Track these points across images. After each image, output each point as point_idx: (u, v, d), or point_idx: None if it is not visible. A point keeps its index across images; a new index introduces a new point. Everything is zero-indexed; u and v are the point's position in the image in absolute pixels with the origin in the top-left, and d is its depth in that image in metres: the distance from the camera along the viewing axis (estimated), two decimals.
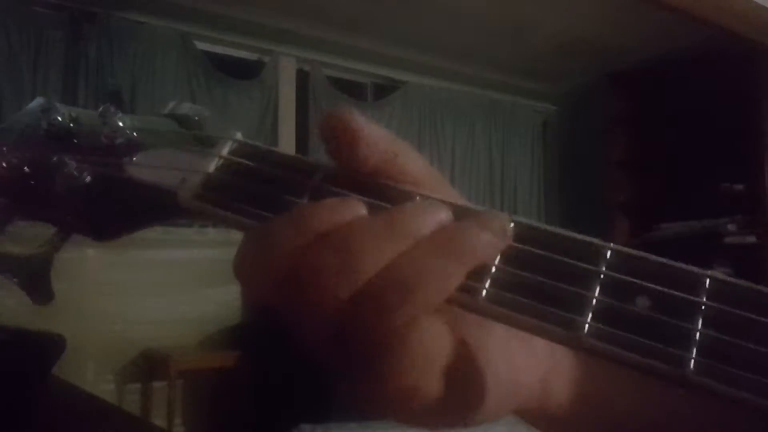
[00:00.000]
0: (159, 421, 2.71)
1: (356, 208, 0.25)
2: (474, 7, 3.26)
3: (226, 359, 2.83)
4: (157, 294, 2.92)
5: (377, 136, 0.27)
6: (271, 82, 3.44)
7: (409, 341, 0.24)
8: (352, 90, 3.79)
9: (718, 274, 0.24)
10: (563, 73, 4.18)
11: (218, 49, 3.35)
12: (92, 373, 2.72)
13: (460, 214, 0.26)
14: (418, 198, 0.27)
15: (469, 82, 4.10)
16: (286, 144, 3.48)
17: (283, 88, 3.50)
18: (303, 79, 3.57)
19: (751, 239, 3.46)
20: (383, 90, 3.91)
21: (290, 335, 0.26)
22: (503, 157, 4.22)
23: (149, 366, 2.82)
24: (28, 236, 0.36)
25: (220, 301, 3.07)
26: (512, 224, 0.25)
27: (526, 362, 0.29)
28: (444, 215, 0.25)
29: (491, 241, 0.24)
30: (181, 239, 3.00)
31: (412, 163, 0.28)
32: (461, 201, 0.27)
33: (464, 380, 0.26)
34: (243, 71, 3.40)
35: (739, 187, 3.50)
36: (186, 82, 3.16)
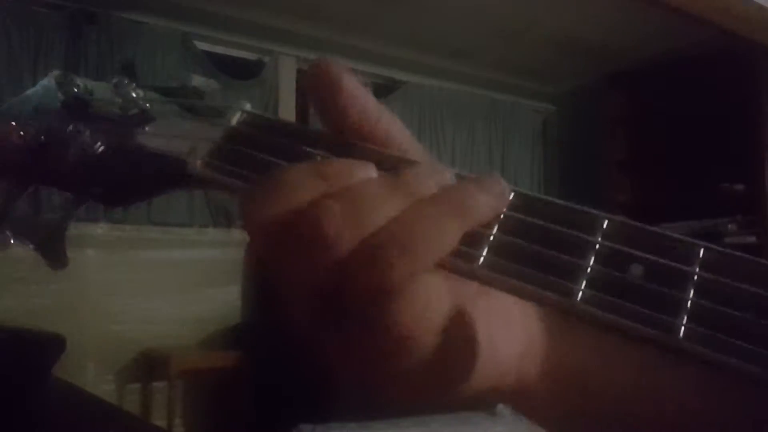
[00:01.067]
0: (159, 421, 2.71)
1: (368, 169, 0.26)
2: (474, 7, 3.26)
3: (226, 359, 2.83)
4: (157, 294, 2.92)
5: (357, 88, 0.28)
6: (271, 82, 3.44)
7: (409, 294, 0.25)
8: None
9: (712, 245, 0.24)
10: (563, 73, 4.18)
11: (218, 49, 3.34)
12: (92, 373, 2.72)
13: (460, 178, 0.27)
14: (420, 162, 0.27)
15: (469, 82, 4.10)
16: None
17: (283, 88, 3.49)
18: (303, 79, 3.57)
19: (751, 239, 3.45)
20: (383, 90, 3.90)
21: (282, 302, 0.26)
22: (503, 157, 4.22)
23: (149, 366, 2.82)
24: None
25: (220, 301, 3.07)
26: (512, 194, 0.26)
27: (506, 336, 0.30)
28: (447, 176, 0.27)
29: (490, 202, 0.25)
30: (181, 239, 3.00)
31: (397, 132, 0.29)
32: None
33: (457, 344, 0.27)
34: (243, 71, 3.40)
35: (739, 187, 3.50)
36: (186, 82, 3.16)
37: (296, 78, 3.56)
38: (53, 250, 0.36)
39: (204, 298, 3.02)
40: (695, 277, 0.23)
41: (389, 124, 0.29)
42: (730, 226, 3.51)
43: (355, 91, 0.28)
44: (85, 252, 2.69)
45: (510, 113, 4.27)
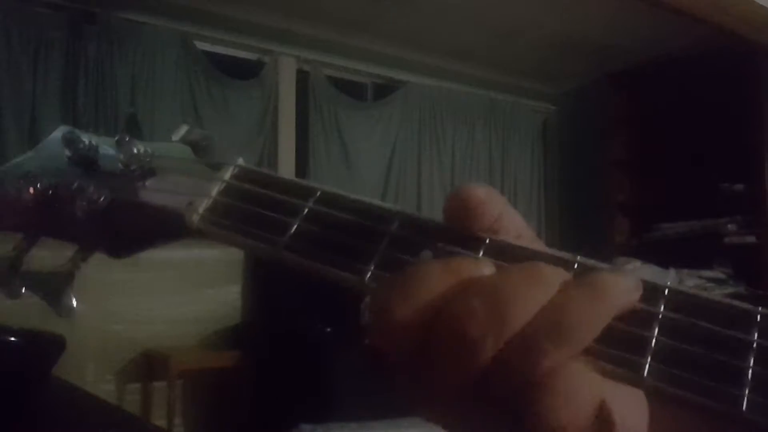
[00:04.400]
0: (159, 421, 2.71)
1: (490, 264, 0.27)
2: (474, 7, 3.26)
3: (226, 359, 2.83)
4: (157, 294, 2.92)
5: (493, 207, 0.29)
6: (271, 82, 3.44)
7: (561, 382, 0.24)
8: (352, 90, 3.79)
9: (676, 285, 0.25)
10: (563, 73, 4.18)
11: (218, 49, 3.34)
12: (92, 373, 2.72)
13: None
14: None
15: (469, 82, 4.10)
16: (286, 144, 3.48)
17: (283, 88, 3.49)
18: (303, 79, 3.57)
19: (751, 239, 3.45)
20: (383, 90, 3.90)
21: (417, 398, 0.27)
22: (503, 157, 4.22)
23: (149, 366, 2.82)
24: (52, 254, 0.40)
25: (220, 301, 3.07)
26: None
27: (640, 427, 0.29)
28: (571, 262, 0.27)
29: (629, 288, 0.25)
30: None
31: (514, 221, 0.29)
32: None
33: None
34: (243, 71, 3.40)
35: (739, 187, 3.50)
36: (186, 82, 3.16)
37: (296, 78, 3.56)
38: (60, 301, 0.38)
39: (204, 298, 3.02)
40: (660, 317, 0.24)
41: (508, 217, 0.29)
42: (730, 226, 3.50)
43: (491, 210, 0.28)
44: None
45: (510, 113, 4.26)
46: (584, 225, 4.13)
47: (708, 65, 3.42)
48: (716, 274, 3.48)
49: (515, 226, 0.29)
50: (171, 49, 3.10)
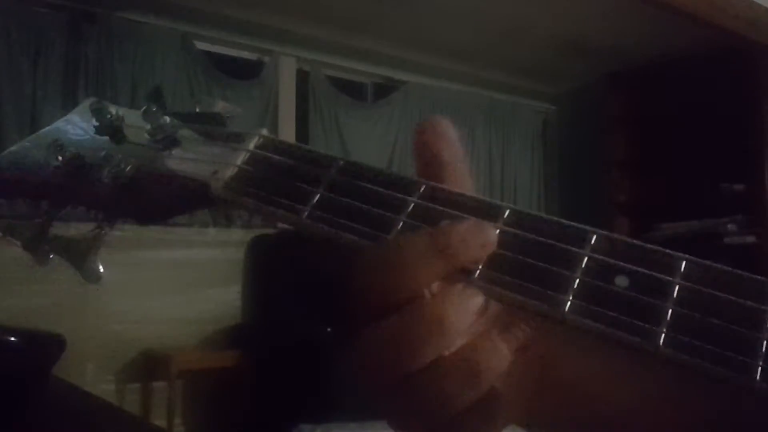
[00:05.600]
0: (159, 421, 2.71)
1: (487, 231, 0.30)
2: (474, 7, 3.26)
3: (226, 359, 2.82)
4: (157, 294, 2.92)
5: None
6: (271, 82, 3.44)
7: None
8: (352, 90, 3.79)
9: (693, 258, 0.26)
10: (563, 73, 4.18)
11: (218, 49, 3.34)
12: (92, 373, 2.72)
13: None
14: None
15: (469, 82, 4.10)
16: None
17: (283, 88, 3.49)
18: (303, 79, 3.57)
19: (751, 239, 3.46)
20: (383, 90, 3.90)
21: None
22: (503, 157, 4.22)
23: (149, 366, 2.82)
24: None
25: (220, 301, 3.07)
26: (508, 211, 0.29)
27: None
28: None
29: (476, 248, 0.28)
30: (181, 239, 3.00)
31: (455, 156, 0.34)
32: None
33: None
34: (243, 71, 3.40)
35: (739, 187, 3.50)
36: (186, 82, 3.16)
37: (296, 78, 3.56)
38: (88, 265, 0.39)
39: (204, 298, 3.02)
40: (676, 287, 0.25)
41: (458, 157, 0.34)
42: (730, 226, 3.50)
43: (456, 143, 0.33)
44: None
45: (510, 113, 4.26)
46: (584, 225, 4.12)
47: (708, 65, 3.42)
48: None
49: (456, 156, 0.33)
50: (171, 49, 3.10)
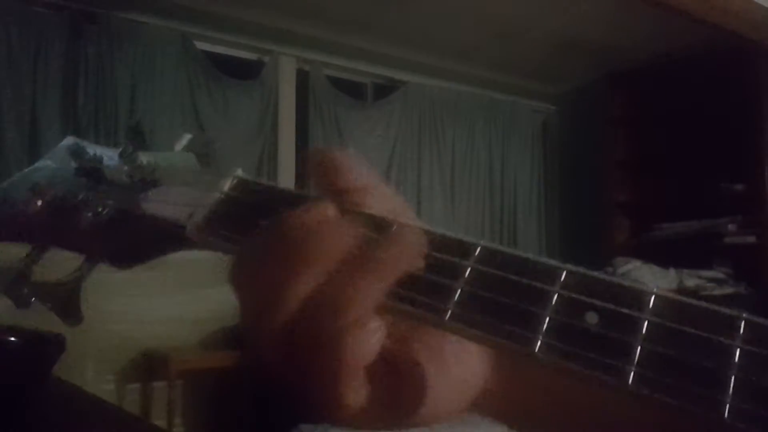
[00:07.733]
0: (159, 421, 2.71)
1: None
2: (474, 7, 3.26)
3: (226, 359, 2.82)
4: (157, 294, 2.92)
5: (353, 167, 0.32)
6: (271, 82, 3.44)
7: (340, 347, 0.27)
8: (352, 90, 3.79)
9: (662, 291, 0.26)
10: (563, 73, 4.18)
11: (218, 49, 3.35)
12: (92, 373, 2.72)
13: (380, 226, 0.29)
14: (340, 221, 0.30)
15: (469, 82, 4.10)
16: (286, 144, 3.47)
17: (283, 88, 3.49)
18: (303, 79, 3.57)
19: (751, 239, 3.46)
20: (383, 90, 3.90)
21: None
22: (503, 157, 4.22)
23: (149, 366, 2.82)
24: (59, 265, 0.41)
25: (220, 301, 3.06)
26: (479, 249, 0.28)
27: (469, 362, 0.32)
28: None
29: (405, 258, 0.28)
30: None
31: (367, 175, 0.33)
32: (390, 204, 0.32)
33: (396, 382, 0.29)
34: (243, 71, 3.40)
35: (739, 187, 3.50)
36: (186, 82, 3.15)
37: (296, 78, 3.56)
38: (68, 310, 0.39)
39: (204, 298, 3.02)
40: (645, 323, 0.25)
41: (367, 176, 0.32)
42: (730, 226, 3.51)
43: (354, 168, 0.32)
44: None
45: (510, 113, 4.26)
46: (584, 225, 4.13)
47: (708, 65, 3.42)
48: (716, 274, 3.48)
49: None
50: (171, 49, 3.10)
